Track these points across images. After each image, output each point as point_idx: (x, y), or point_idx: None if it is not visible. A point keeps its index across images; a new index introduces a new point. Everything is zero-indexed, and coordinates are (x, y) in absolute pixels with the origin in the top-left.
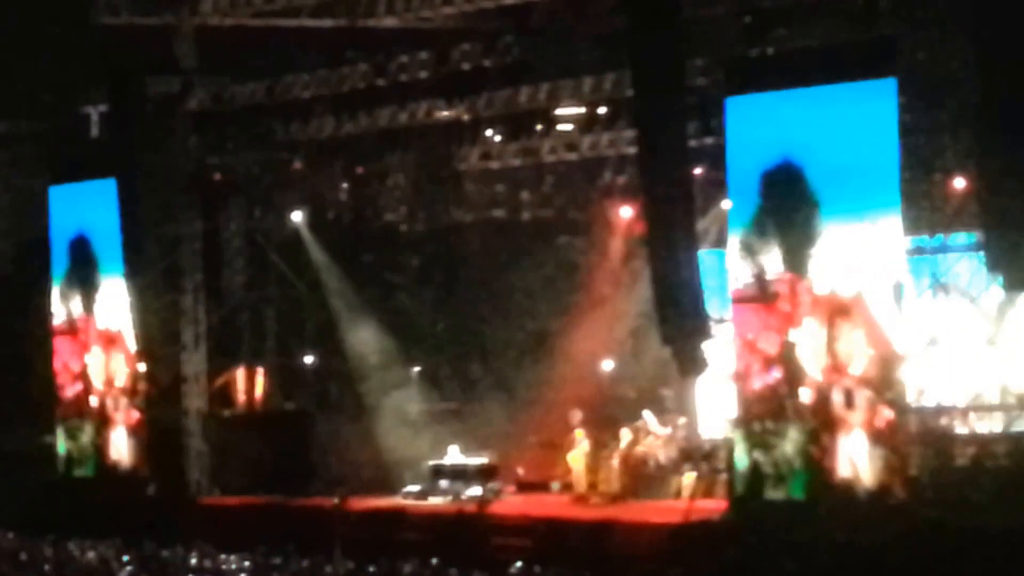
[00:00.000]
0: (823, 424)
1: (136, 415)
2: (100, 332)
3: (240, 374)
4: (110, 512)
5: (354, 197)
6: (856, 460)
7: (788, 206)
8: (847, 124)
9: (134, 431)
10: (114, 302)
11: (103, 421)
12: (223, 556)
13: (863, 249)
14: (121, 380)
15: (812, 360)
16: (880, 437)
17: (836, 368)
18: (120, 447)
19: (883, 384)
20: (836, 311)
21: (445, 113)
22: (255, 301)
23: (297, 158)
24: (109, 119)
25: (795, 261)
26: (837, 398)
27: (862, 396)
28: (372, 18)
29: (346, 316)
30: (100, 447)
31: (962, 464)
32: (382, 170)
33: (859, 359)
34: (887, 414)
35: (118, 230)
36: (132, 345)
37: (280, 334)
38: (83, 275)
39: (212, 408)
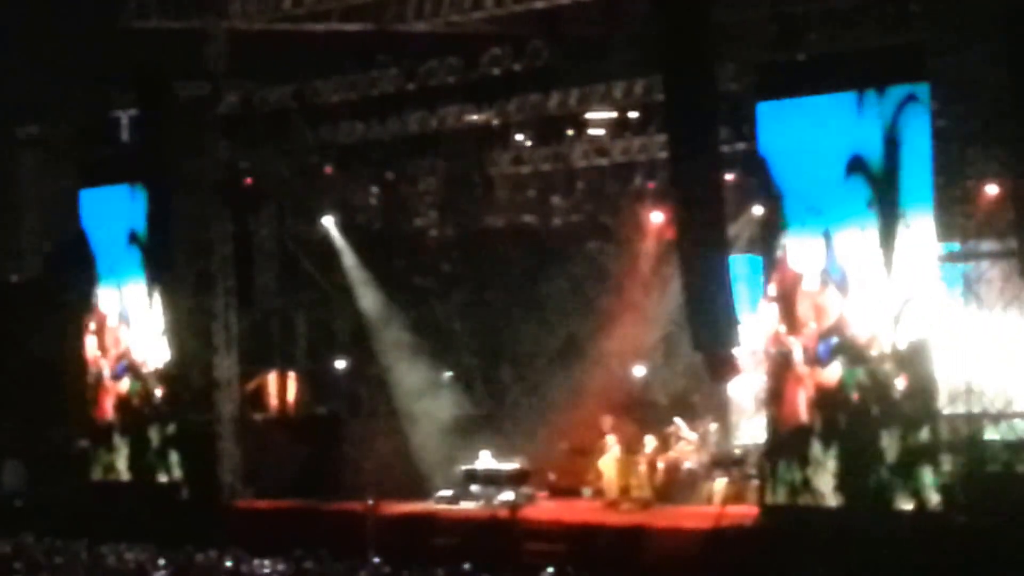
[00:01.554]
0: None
1: (169, 419)
2: (122, 336)
3: (272, 378)
4: (144, 516)
5: (384, 202)
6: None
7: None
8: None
9: (167, 435)
10: (115, 308)
11: (136, 425)
12: (256, 560)
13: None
14: (151, 383)
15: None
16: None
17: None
18: (154, 451)
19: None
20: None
21: (475, 118)
22: (286, 306)
23: (327, 163)
24: (139, 123)
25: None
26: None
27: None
28: (402, 22)
29: (377, 321)
30: (134, 451)
31: (994, 470)
32: (412, 175)
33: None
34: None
35: (116, 235)
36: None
37: (311, 338)
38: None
39: (244, 412)
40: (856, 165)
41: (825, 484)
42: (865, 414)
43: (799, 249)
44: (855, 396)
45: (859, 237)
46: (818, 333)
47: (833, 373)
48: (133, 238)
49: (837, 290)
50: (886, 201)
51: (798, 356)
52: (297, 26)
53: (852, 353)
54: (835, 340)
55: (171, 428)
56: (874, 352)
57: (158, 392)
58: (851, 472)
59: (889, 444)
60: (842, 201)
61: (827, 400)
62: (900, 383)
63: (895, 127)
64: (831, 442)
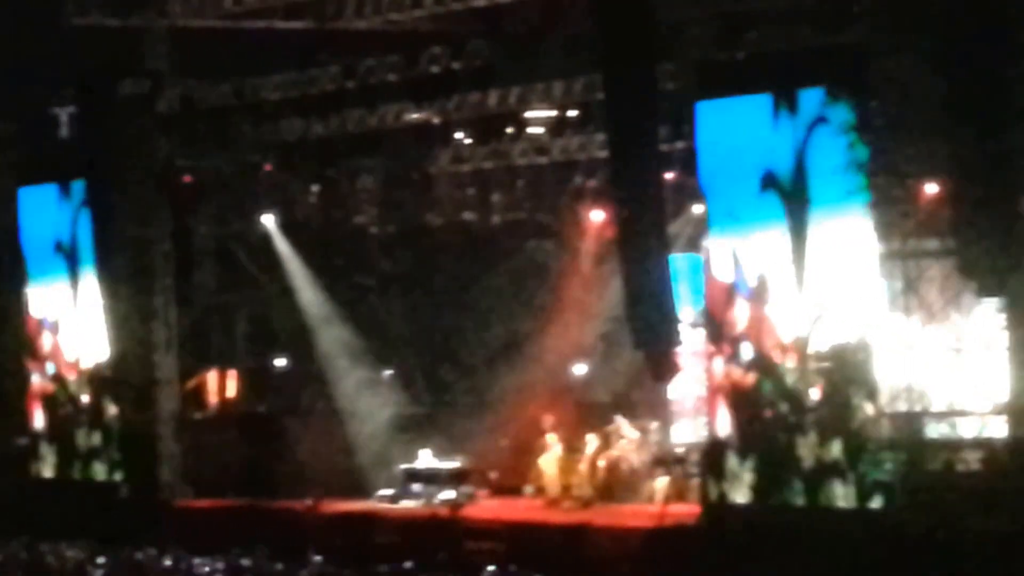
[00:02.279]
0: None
1: (108, 417)
2: (53, 336)
3: (212, 376)
4: (83, 514)
5: (324, 200)
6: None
7: None
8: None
9: (106, 433)
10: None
11: (75, 423)
12: (196, 559)
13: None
14: (84, 382)
15: None
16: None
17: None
18: (93, 449)
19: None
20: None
21: (415, 116)
22: (226, 303)
23: (267, 160)
24: (78, 120)
25: None
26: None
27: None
28: (341, 20)
29: (317, 319)
30: (73, 449)
31: (934, 469)
32: (352, 173)
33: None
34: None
35: (45, 235)
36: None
37: (251, 336)
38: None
39: (184, 410)
40: (769, 181)
41: (741, 497)
42: (780, 426)
43: (719, 256)
44: (770, 409)
45: (776, 243)
46: (734, 343)
47: (749, 384)
48: (59, 247)
49: (752, 300)
50: (797, 218)
51: (717, 367)
52: (237, 24)
53: (766, 365)
54: (751, 352)
55: (110, 427)
56: (789, 364)
57: (94, 391)
58: (766, 484)
59: (805, 455)
60: (759, 208)
61: (743, 412)
62: (815, 393)
63: (805, 148)
64: (747, 455)
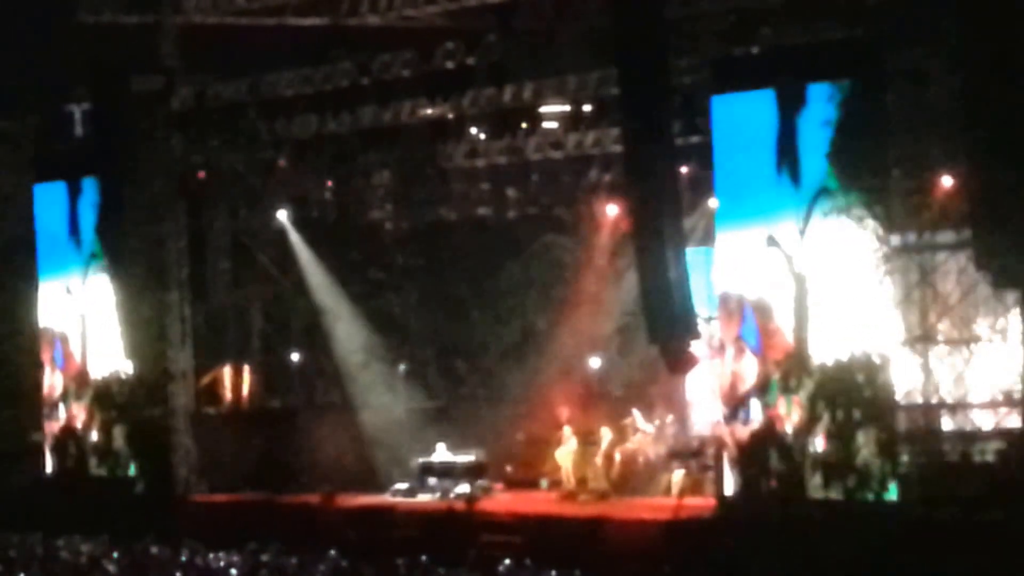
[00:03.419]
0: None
1: (123, 413)
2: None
3: (226, 372)
4: (99, 510)
5: (339, 195)
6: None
7: None
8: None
9: (122, 429)
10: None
11: (91, 419)
12: (212, 554)
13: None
14: (103, 377)
15: None
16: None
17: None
18: (109, 445)
19: None
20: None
21: (429, 111)
22: (241, 299)
23: (281, 156)
24: (93, 117)
25: None
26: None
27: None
28: (355, 17)
29: (332, 314)
30: (89, 445)
31: (951, 460)
32: (366, 168)
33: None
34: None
35: (56, 232)
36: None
37: (266, 332)
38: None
39: (199, 406)
40: (772, 242)
41: None
42: (784, 489)
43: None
44: (775, 478)
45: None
46: (739, 397)
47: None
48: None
49: (754, 355)
50: (798, 277)
51: (718, 415)
52: (251, 20)
53: (769, 427)
54: (754, 404)
55: (126, 422)
56: (795, 416)
57: (113, 386)
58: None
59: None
60: (771, 200)
61: (747, 479)
62: (820, 442)
63: (808, 217)
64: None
